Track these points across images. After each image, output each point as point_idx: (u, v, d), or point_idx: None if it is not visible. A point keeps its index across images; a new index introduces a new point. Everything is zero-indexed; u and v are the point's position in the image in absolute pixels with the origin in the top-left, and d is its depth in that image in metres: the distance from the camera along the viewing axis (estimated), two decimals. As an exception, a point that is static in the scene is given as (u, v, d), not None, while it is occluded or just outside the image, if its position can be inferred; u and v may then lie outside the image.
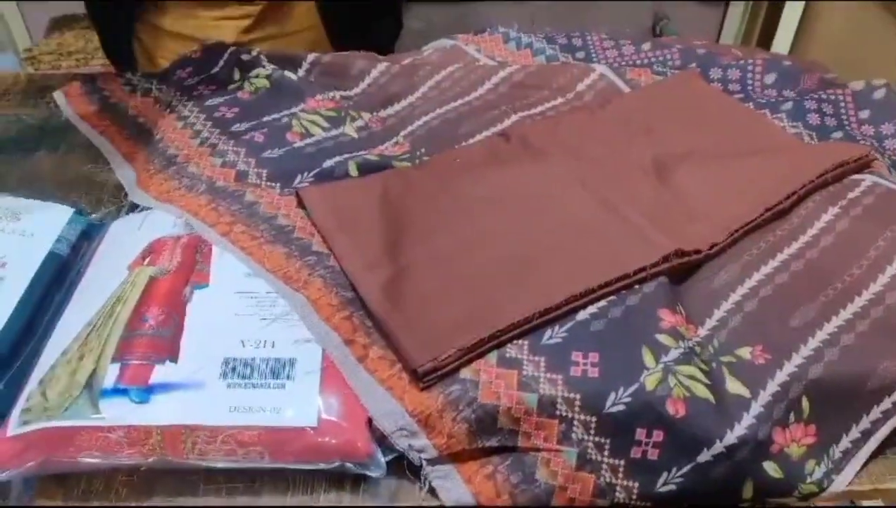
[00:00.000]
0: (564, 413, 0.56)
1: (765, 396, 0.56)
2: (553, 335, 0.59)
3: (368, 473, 0.55)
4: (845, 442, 0.59)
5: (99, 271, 0.66)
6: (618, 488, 0.55)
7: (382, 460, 0.55)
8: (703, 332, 0.61)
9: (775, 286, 0.64)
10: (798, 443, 0.57)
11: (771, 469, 0.55)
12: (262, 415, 0.55)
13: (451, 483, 0.55)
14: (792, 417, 0.57)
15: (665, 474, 0.55)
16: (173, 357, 0.58)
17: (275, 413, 0.55)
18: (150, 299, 0.61)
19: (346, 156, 0.76)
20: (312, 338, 0.60)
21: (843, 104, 0.85)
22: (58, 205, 0.71)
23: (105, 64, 1.23)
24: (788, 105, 0.86)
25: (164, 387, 0.56)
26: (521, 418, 0.55)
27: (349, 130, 0.82)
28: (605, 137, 0.80)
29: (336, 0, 1.08)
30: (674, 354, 0.57)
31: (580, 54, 0.98)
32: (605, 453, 0.55)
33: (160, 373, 0.56)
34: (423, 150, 0.80)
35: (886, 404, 0.59)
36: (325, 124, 0.82)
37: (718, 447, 0.54)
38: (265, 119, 0.83)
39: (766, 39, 1.84)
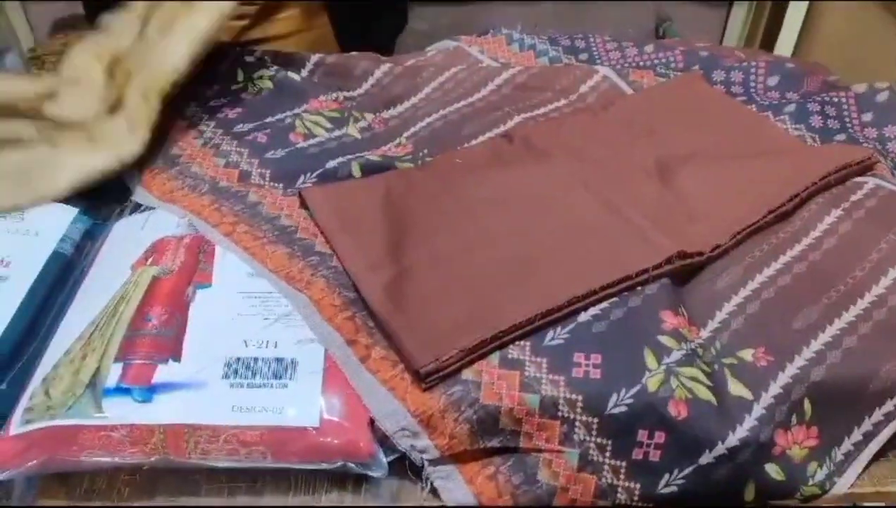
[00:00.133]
0: (566, 414, 0.56)
1: (767, 398, 0.56)
2: (555, 337, 0.59)
3: (370, 473, 0.55)
4: (847, 445, 0.59)
5: (102, 270, 0.67)
6: (619, 489, 0.56)
7: (384, 460, 0.55)
8: (705, 334, 0.61)
9: (778, 288, 0.64)
10: (800, 445, 0.57)
11: (773, 470, 0.55)
12: (264, 415, 0.55)
13: (453, 483, 0.55)
14: (794, 419, 0.57)
15: (666, 475, 0.55)
16: (176, 357, 0.58)
17: (277, 413, 0.55)
18: (153, 298, 0.61)
19: (350, 157, 0.76)
20: (315, 338, 0.60)
21: (845, 107, 0.85)
22: (62, 205, 0.71)
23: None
24: (791, 107, 0.86)
25: (167, 387, 0.56)
26: (522, 419, 0.55)
27: (352, 130, 0.82)
28: (608, 139, 0.80)
29: None
30: (676, 355, 0.57)
31: (583, 56, 0.98)
32: (607, 454, 0.55)
33: (163, 373, 0.56)
34: (425, 151, 0.80)
35: (888, 406, 0.59)
36: (329, 125, 0.82)
37: (720, 448, 0.54)
38: (268, 120, 0.83)
39: (769, 42, 1.84)
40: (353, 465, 0.55)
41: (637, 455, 0.55)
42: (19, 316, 0.61)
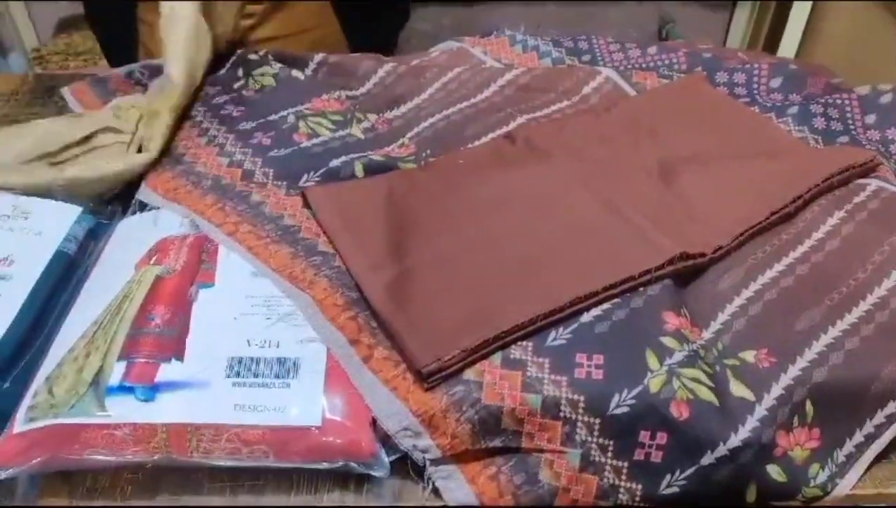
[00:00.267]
0: (568, 415, 0.56)
1: (769, 399, 0.56)
2: (557, 337, 0.59)
3: (372, 473, 0.55)
4: (849, 446, 0.58)
5: (106, 269, 0.67)
6: (621, 490, 0.56)
7: (386, 460, 0.55)
8: (707, 335, 0.61)
9: (780, 290, 0.64)
10: (802, 447, 0.57)
11: (774, 472, 0.55)
12: (266, 414, 0.55)
13: (455, 483, 0.55)
14: (796, 420, 0.57)
15: (668, 476, 0.55)
16: (179, 356, 0.58)
17: (279, 413, 0.55)
18: (156, 298, 0.62)
19: (353, 156, 0.77)
20: (317, 338, 0.60)
21: (848, 109, 0.85)
22: (66, 204, 0.72)
23: (112, 64, 1.24)
24: (794, 109, 0.86)
25: (170, 385, 0.56)
26: (524, 419, 0.55)
27: (356, 131, 0.83)
28: (611, 140, 0.80)
29: None
30: (678, 356, 0.57)
31: (586, 57, 0.98)
32: (609, 454, 0.56)
33: (166, 372, 0.57)
34: (428, 151, 0.80)
35: (891, 408, 0.59)
36: (332, 126, 0.83)
37: (722, 449, 0.54)
38: (271, 118, 0.83)
39: (772, 43, 1.84)
40: (355, 465, 0.55)
41: (639, 455, 0.55)
42: (22, 315, 0.61)
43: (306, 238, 0.68)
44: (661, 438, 0.55)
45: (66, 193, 0.73)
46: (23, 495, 0.56)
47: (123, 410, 0.55)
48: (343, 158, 0.76)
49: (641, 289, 0.62)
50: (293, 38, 1.08)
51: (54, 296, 0.64)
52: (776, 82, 0.91)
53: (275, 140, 0.79)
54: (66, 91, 0.93)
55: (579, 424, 0.56)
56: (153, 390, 0.56)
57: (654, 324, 0.59)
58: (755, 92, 0.91)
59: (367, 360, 0.58)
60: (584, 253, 0.65)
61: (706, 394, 0.56)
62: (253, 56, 0.92)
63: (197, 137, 0.81)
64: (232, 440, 0.54)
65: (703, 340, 0.60)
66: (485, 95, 0.90)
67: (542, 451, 0.56)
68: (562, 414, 0.56)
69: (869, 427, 0.59)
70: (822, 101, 0.86)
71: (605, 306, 0.61)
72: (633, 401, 0.55)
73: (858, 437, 0.59)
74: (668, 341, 0.58)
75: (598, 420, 0.55)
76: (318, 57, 0.93)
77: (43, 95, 0.97)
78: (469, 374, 0.56)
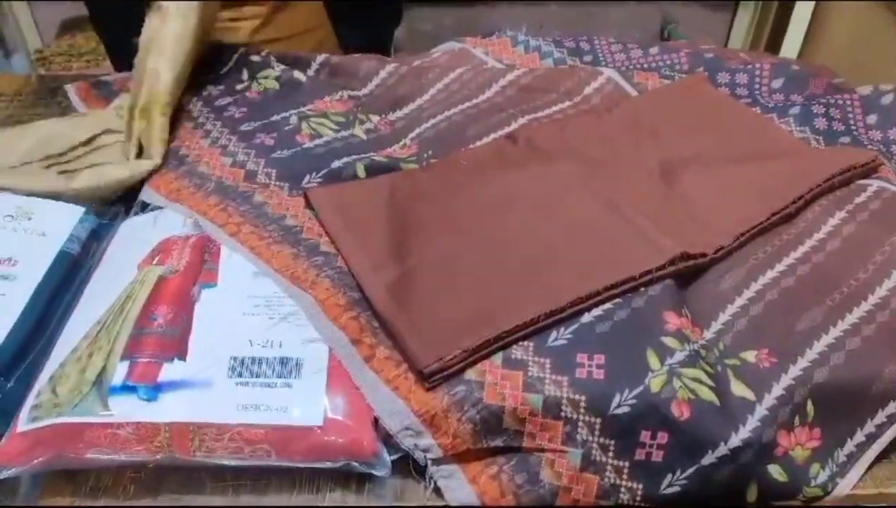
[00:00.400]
0: (569, 415, 0.56)
1: (769, 399, 0.56)
2: (558, 337, 0.59)
3: (374, 472, 0.55)
4: (850, 446, 0.59)
5: (109, 270, 0.67)
6: (622, 489, 0.56)
7: (388, 459, 0.56)
8: (708, 335, 0.61)
9: (781, 290, 0.64)
10: (803, 446, 0.57)
11: (775, 472, 0.56)
12: (268, 414, 0.55)
13: (456, 482, 0.55)
14: (796, 420, 0.57)
15: (669, 476, 0.55)
16: (181, 356, 0.58)
17: (281, 412, 0.55)
18: (159, 298, 0.62)
19: (355, 157, 0.77)
20: (319, 338, 0.60)
21: (850, 109, 0.85)
22: (69, 204, 0.72)
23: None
24: (796, 109, 0.86)
25: (173, 385, 0.56)
26: (525, 418, 0.56)
27: (358, 131, 0.83)
28: (612, 141, 0.80)
29: None
30: (679, 356, 0.57)
31: (588, 58, 0.98)
32: (610, 454, 0.56)
33: (168, 371, 0.57)
34: (430, 152, 0.80)
35: (891, 408, 0.59)
36: (335, 127, 0.83)
37: (723, 449, 0.54)
38: (273, 119, 0.83)
39: (774, 44, 1.84)
40: (356, 464, 0.55)
41: (640, 455, 0.55)
42: (26, 315, 0.61)
43: (308, 239, 0.68)
44: (662, 438, 0.55)
45: (72, 200, 0.74)
46: (26, 494, 0.56)
47: (126, 409, 0.55)
48: (345, 159, 0.76)
49: (642, 289, 0.62)
50: (296, 40, 1.08)
51: (57, 296, 0.65)
52: (778, 83, 0.91)
53: (277, 141, 0.80)
54: (70, 89, 0.93)
55: (580, 424, 0.56)
56: (156, 389, 0.56)
57: (655, 324, 0.59)
58: (757, 92, 0.91)
59: (369, 360, 0.58)
60: (586, 253, 0.65)
61: (707, 394, 0.56)
62: (255, 57, 0.92)
63: (200, 139, 0.81)
64: (234, 439, 0.55)
65: (705, 340, 0.60)
66: (486, 95, 0.90)
67: (543, 451, 0.56)
68: (563, 414, 0.56)
69: (870, 427, 0.59)
70: (824, 101, 0.86)
71: (607, 306, 0.61)
72: (634, 401, 0.55)
73: (859, 437, 0.59)
74: (669, 341, 0.58)
75: (599, 420, 0.55)
76: (321, 58, 0.94)
77: (46, 96, 0.97)
78: (470, 374, 0.57)
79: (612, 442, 0.56)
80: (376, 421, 0.56)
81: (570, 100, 0.89)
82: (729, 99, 0.89)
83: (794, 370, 0.58)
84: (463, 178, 0.75)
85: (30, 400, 0.56)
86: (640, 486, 0.56)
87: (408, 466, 0.57)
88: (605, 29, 1.74)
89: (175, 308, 0.61)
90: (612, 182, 0.74)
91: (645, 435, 0.55)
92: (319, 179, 0.75)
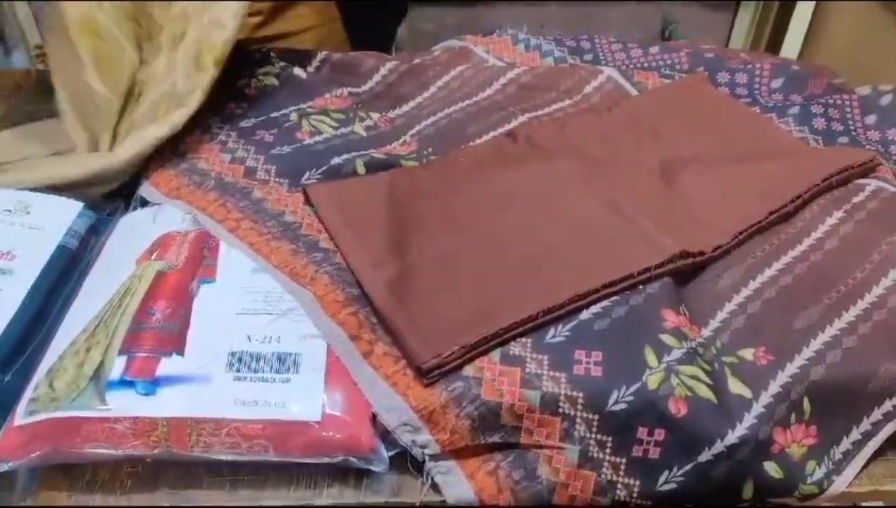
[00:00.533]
0: (567, 411, 0.56)
1: (766, 396, 0.56)
2: (556, 334, 0.59)
3: (371, 468, 0.56)
4: (846, 444, 0.59)
5: (107, 264, 0.67)
6: (619, 486, 0.56)
7: (385, 455, 0.56)
8: (706, 332, 0.61)
9: (779, 289, 0.64)
10: (799, 444, 0.57)
11: (771, 469, 0.56)
12: (266, 409, 0.55)
13: (453, 478, 0.56)
14: (793, 417, 0.57)
15: (666, 472, 0.55)
16: (179, 351, 0.58)
17: (279, 407, 0.55)
18: (157, 293, 0.62)
19: (354, 154, 0.77)
20: (318, 333, 0.60)
21: (849, 109, 0.85)
22: (67, 199, 0.72)
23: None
24: (795, 109, 0.86)
25: (171, 380, 0.56)
26: (523, 415, 0.56)
27: (358, 128, 0.83)
28: (612, 139, 0.80)
29: None
30: (676, 354, 0.57)
31: (588, 57, 0.98)
32: (607, 451, 0.56)
33: (166, 366, 0.57)
34: (430, 149, 0.80)
35: (887, 406, 0.59)
36: (335, 124, 0.83)
37: (719, 446, 0.54)
38: (273, 115, 0.83)
39: (775, 44, 1.84)
40: (354, 460, 0.55)
41: (637, 452, 0.56)
42: (24, 309, 0.61)
43: (307, 235, 0.68)
44: (659, 434, 0.55)
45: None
46: (23, 488, 0.56)
47: (124, 404, 0.55)
48: (345, 156, 0.76)
49: (641, 287, 0.62)
50: (295, 38, 1.08)
51: (56, 291, 0.65)
52: (777, 83, 0.91)
53: (277, 137, 0.80)
54: None
55: (578, 420, 0.56)
56: (154, 384, 0.56)
57: (653, 322, 0.60)
58: (756, 92, 0.91)
59: (368, 356, 0.59)
60: (585, 251, 0.65)
61: (704, 391, 0.56)
62: (256, 54, 0.92)
63: (199, 134, 0.81)
64: (232, 434, 0.55)
65: (702, 337, 0.61)
66: (487, 93, 0.90)
67: (540, 447, 0.56)
68: (560, 410, 0.56)
69: (866, 425, 0.59)
70: (823, 101, 0.86)
71: (605, 303, 0.61)
72: (632, 398, 0.55)
73: (855, 435, 0.59)
74: (667, 338, 0.58)
75: (596, 417, 0.56)
76: (321, 55, 0.94)
77: (45, 91, 0.97)
78: (468, 370, 0.57)
79: (610, 439, 0.56)
80: (374, 417, 0.56)
81: (571, 98, 0.90)
82: (729, 99, 0.90)
83: (791, 368, 0.58)
84: (463, 175, 0.75)
85: (27, 394, 0.56)
86: (637, 483, 0.56)
87: (405, 462, 0.57)
88: (606, 29, 1.74)
89: (173, 303, 0.61)
90: (612, 181, 0.74)
91: (642, 432, 0.55)
92: (319, 176, 0.75)
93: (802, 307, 0.62)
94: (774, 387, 0.57)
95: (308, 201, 0.71)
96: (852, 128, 0.84)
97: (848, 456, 0.59)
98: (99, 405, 0.55)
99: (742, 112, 0.87)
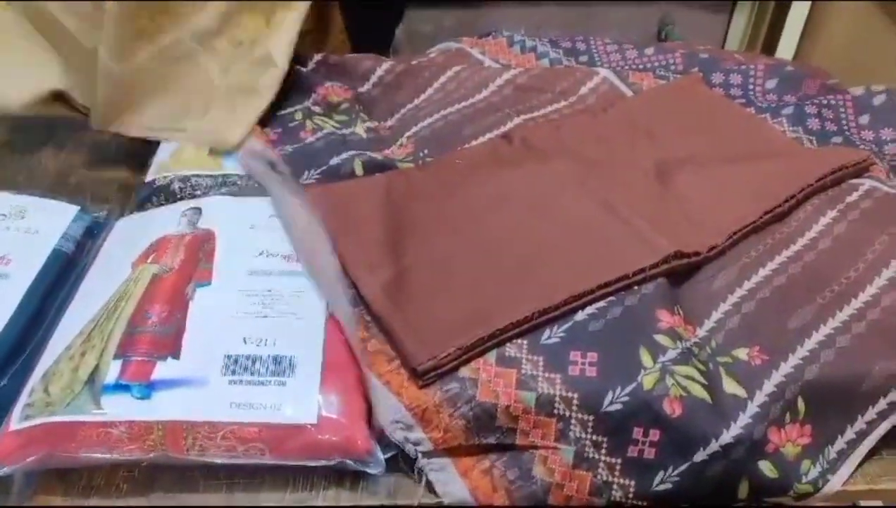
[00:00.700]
0: (562, 412, 0.56)
1: (761, 396, 0.57)
2: (552, 335, 0.59)
3: (368, 470, 0.56)
4: (840, 443, 0.59)
5: (103, 268, 0.67)
6: (614, 486, 0.56)
7: (381, 457, 0.56)
8: (701, 333, 0.62)
9: (773, 288, 0.64)
10: (793, 443, 0.57)
11: (766, 468, 0.56)
12: (262, 412, 0.55)
13: (447, 475, 0.56)
14: (788, 417, 0.57)
15: (661, 473, 0.55)
16: (175, 354, 0.58)
17: (275, 410, 0.55)
18: (152, 296, 0.62)
19: (353, 153, 0.77)
20: (313, 336, 0.60)
21: (843, 109, 0.85)
22: (63, 203, 0.72)
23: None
24: (789, 110, 0.86)
25: (166, 383, 0.56)
26: (519, 416, 0.56)
27: (359, 130, 0.83)
28: (607, 140, 0.80)
29: None
30: (671, 354, 0.57)
31: (584, 58, 0.98)
32: (603, 451, 0.56)
33: (162, 370, 0.57)
34: (426, 151, 0.80)
35: (881, 405, 0.59)
36: (337, 125, 0.83)
37: (714, 446, 0.54)
38: (279, 113, 0.84)
39: (770, 45, 1.84)
40: (350, 462, 0.55)
41: (632, 452, 0.56)
42: (19, 314, 0.62)
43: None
44: (655, 435, 0.55)
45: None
46: (18, 493, 0.56)
47: (119, 408, 0.55)
48: (343, 156, 0.77)
49: (636, 287, 0.62)
50: (299, 40, 1.08)
51: (51, 295, 0.65)
52: (772, 83, 0.91)
53: (281, 136, 0.80)
54: None
55: (573, 421, 0.56)
56: (149, 388, 0.56)
57: (648, 322, 0.60)
58: (751, 93, 0.91)
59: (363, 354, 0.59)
60: (580, 252, 0.65)
61: (699, 391, 0.56)
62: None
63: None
64: (228, 437, 0.55)
65: (697, 338, 0.61)
66: (482, 95, 0.90)
67: (535, 448, 0.56)
68: (556, 411, 0.56)
69: (860, 424, 0.59)
70: (817, 101, 0.86)
71: (600, 304, 0.61)
72: (627, 398, 0.55)
73: (850, 434, 0.59)
74: (661, 338, 0.58)
75: (591, 417, 0.56)
76: (317, 57, 0.94)
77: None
78: (464, 371, 0.57)
79: (605, 439, 0.56)
80: (370, 419, 0.56)
81: (566, 100, 0.90)
82: (723, 99, 0.90)
83: (786, 368, 0.58)
84: (458, 177, 0.75)
85: (22, 399, 0.56)
86: (633, 483, 0.56)
87: (401, 463, 0.57)
88: (604, 30, 1.74)
89: (169, 307, 0.61)
90: (607, 182, 0.74)
91: (637, 432, 0.55)
92: (318, 176, 0.75)
93: (796, 307, 0.62)
94: (769, 387, 0.57)
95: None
96: (846, 128, 0.84)
97: (843, 455, 0.59)
98: (94, 409, 0.55)
99: (736, 113, 0.87)
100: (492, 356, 0.58)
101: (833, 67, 0.98)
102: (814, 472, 0.57)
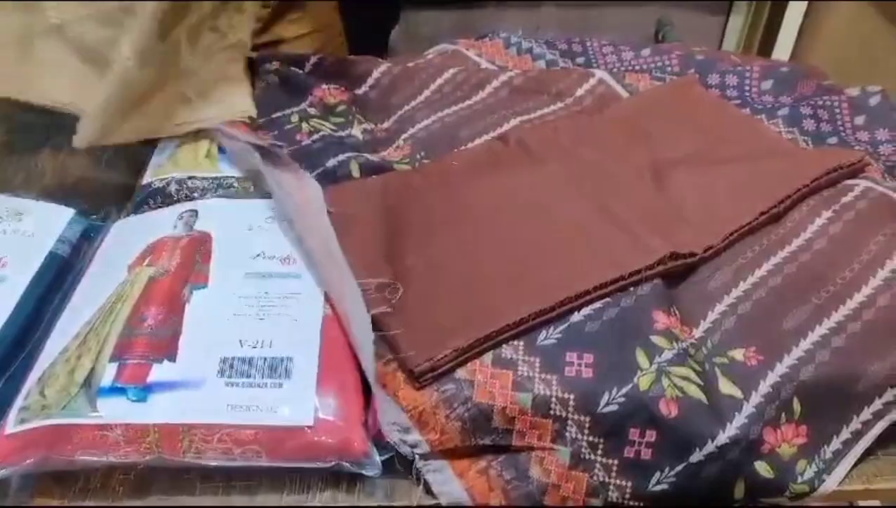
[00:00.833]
0: (558, 413, 0.56)
1: (756, 397, 0.57)
2: (548, 336, 0.59)
3: (364, 472, 0.56)
4: (836, 443, 0.59)
5: (99, 271, 0.67)
6: (611, 487, 0.56)
7: (378, 459, 0.56)
8: (697, 333, 0.62)
9: (769, 289, 0.64)
10: (789, 443, 0.57)
11: (762, 468, 0.56)
12: (258, 414, 0.55)
13: (444, 476, 0.56)
14: (783, 417, 0.57)
15: (658, 473, 0.55)
16: (171, 357, 0.58)
17: (271, 412, 0.55)
18: (149, 299, 0.62)
19: (349, 155, 0.77)
20: (309, 338, 0.60)
21: (838, 110, 0.85)
22: (59, 206, 0.72)
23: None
24: (784, 111, 0.86)
25: (162, 386, 0.56)
26: (515, 417, 0.56)
27: (356, 131, 0.83)
28: (603, 142, 0.80)
29: None
30: (667, 355, 0.58)
31: (580, 60, 0.98)
32: (599, 452, 0.56)
33: (158, 372, 0.57)
34: (422, 153, 0.80)
35: (877, 405, 0.59)
36: (333, 127, 0.83)
37: (710, 446, 0.54)
38: (275, 116, 0.84)
39: (766, 47, 1.84)
40: (347, 464, 0.55)
41: (628, 453, 0.56)
42: (15, 317, 0.62)
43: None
44: (651, 435, 0.55)
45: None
46: (15, 495, 0.56)
47: (115, 410, 0.55)
48: (340, 158, 0.77)
49: (632, 288, 0.62)
50: (292, 44, 1.08)
51: (47, 298, 0.65)
52: (767, 84, 0.91)
53: (277, 139, 0.80)
54: None
55: (569, 422, 0.56)
56: (145, 390, 0.56)
57: (644, 323, 0.60)
58: (746, 94, 0.92)
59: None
60: (576, 253, 0.65)
61: (695, 392, 0.56)
62: (251, 57, 0.92)
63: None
64: (224, 440, 0.55)
65: (693, 338, 0.61)
66: (479, 96, 0.90)
67: (532, 449, 0.56)
68: (552, 412, 0.56)
69: (856, 424, 0.59)
70: (812, 102, 0.86)
71: (596, 305, 0.61)
72: (623, 399, 0.55)
73: (846, 434, 0.59)
74: (657, 339, 0.58)
75: (588, 418, 0.56)
76: (314, 58, 0.94)
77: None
78: (460, 373, 0.57)
79: (601, 440, 0.56)
80: (366, 421, 0.56)
81: (562, 101, 0.90)
82: (719, 100, 0.90)
83: (781, 368, 0.58)
84: (455, 179, 0.75)
85: (18, 402, 0.56)
86: (629, 484, 0.56)
87: (398, 465, 0.57)
88: (602, 31, 1.74)
89: (165, 309, 0.61)
90: (603, 183, 0.74)
91: (633, 433, 0.56)
92: (314, 178, 0.75)
93: (792, 308, 0.62)
94: (765, 387, 0.57)
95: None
96: (841, 129, 0.85)
97: (838, 456, 0.59)
98: (90, 412, 0.55)
99: (732, 114, 0.87)
100: (488, 358, 0.58)
101: (829, 67, 0.98)
102: (809, 472, 0.57)
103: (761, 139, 0.82)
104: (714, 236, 0.67)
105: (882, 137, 0.83)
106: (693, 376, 0.57)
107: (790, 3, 1.73)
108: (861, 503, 0.60)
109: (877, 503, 0.61)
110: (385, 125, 0.88)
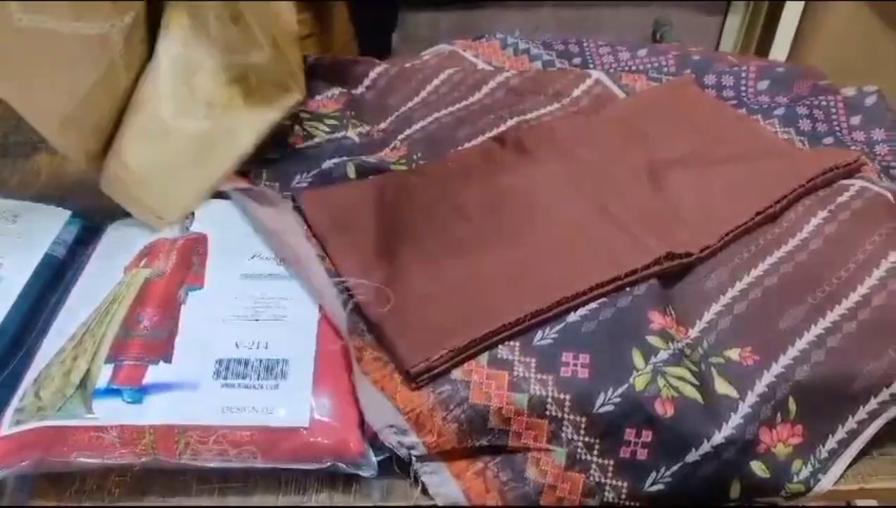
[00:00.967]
0: (554, 413, 0.56)
1: (752, 396, 0.57)
2: (544, 336, 0.59)
3: (360, 473, 0.56)
4: (832, 442, 0.59)
5: (95, 273, 0.67)
6: (607, 487, 0.56)
7: (374, 460, 0.56)
8: (692, 333, 0.62)
9: (764, 289, 0.64)
10: (785, 443, 0.57)
11: (758, 468, 0.56)
12: (254, 415, 0.55)
13: (440, 478, 0.56)
14: (779, 417, 0.57)
15: (654, 473, 0.55)
16: (167, 358, 0.58)
17: (267, 414, 0.55)
18: (144, 300, 0.62)
19: (345, 158, 0.77)
20: (305, 339, 0.60)
21: (834, 110, 0.85)
22: (55, 207, 0.72)
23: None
24: (780, 111, 0.86)
25: (158, 387, 0.56)
26: (511, 418, 0.56)
27: (351, 134, 0.83)
28: (600, 142, 0.80)
29: None
30: (663, 355, 0.58)
31: (577, 60, 0.98)
32: (595, 452, 0.56)
33: (153, 374, 0.57)
34: (419, 154, 0.80)
35: (872, 404, 0.59)
36: (327, 130, 0.83)
37: (706, 446, 0.54)
38: None
39: (764, 47, 1.85)
40: (343, 465, 0.55)
41: (624, 453, 0.56)
42: (11, 318, 0.62)
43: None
44: (647, 436, 0.55)
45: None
46: (11, 497, 0.56)
47: (111, 412, 0.55)
48: (336, 159, 0.77)
49: (628, 289, 0.62)
50: (305, 42, 1.08)
51: (43, 299, 0.65)
52: (763, 84, 0.91)
53: (271, 143, 0.80)
54: None
55: (565, 422, 0.56)
56: (141, 392, 0.56)
57: (640, 323, 0.60)
58: (743, 94, 0.92)
59: (358, 362, 0.58)
60: (572, 254, 0.65)
61: (691, 392, 0.56)
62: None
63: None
64: (220, 441, 0.55)
65: (689, 338, 0.61)
66: (476, 97, 0.90)
67: (528, 449, 0.56)
68: (548, 413, 0.56)
69: (851, 424, 0.59)
70: (808, 102, 0.87)
71: (592, 305, 0.61)
72: (619, 399, 0.55)
73: (841, 433, 0.59)
74: (653, 339, 0.58)
75: (583, 419, 0.56)
76: (312, 59, 0.94)
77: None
78: (456, 374, 0.57)
79: (597, 441, 0.56)
80: (362, 422, 0.56)
81: (559, 102, 0.90)
82: (715, 101, 0.90)
83: (777, 368, 0.58)
84: (452, 179, 0.75)
85: (14, 403, 0.56)
86: (625, 484, 0.56)
87: (394, 466, 0.57)
88: (600, 31, 1.74)
89: (161, 311, 0.61)
90: (600, 183, 0.74)
91: (630, 433, 0.56)
92: (310, 179, 0.75)
93: (788, 308, 0.62)
94: (760, 387, 0.57)
95: (297, 207, 0.71)
96: (837, 129, 0.85)
97: (834, 455, 0.59)
98: (85, 413, 0.55)
99: (728, 114, 0.87)
100: (484, 358, 0.58)
101: (826, 67, 0.98)
102: (805, 472, 0.57)
103: (757, 139, 0.82)
104: (710, 236, 0.67)
105: (878, 137, 0.83)
106: (689, 376, 0.57)
107: (787, 3, 1.73)
108: (859, 502, 0.60)
109: (874, 502, 0.61)
110: (382, 126, 0.88)
